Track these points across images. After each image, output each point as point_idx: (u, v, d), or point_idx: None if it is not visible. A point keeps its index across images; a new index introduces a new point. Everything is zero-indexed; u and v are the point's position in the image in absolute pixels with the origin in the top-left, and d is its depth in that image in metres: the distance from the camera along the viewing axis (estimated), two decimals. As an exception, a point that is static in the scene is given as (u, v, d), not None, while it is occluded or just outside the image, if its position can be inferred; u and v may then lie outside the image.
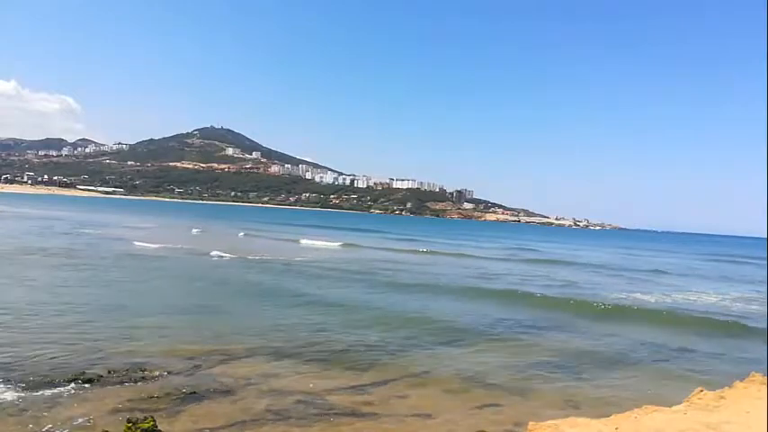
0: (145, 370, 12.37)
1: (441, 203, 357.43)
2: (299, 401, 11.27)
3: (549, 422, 8.09)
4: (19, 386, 10.77)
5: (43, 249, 34.77)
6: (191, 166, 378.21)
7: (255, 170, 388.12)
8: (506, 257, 58.20)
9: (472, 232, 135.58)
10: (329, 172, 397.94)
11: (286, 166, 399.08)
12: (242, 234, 67.24)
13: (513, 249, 73.07)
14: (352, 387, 12.49)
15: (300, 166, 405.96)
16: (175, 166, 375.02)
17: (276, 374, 12.91)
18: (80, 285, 23.20)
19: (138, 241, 44.68)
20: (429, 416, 11.11)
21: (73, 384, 11.10)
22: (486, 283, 34.14)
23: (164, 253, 38.30)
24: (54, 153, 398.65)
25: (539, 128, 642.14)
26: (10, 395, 10.33)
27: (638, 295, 32.45)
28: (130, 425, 8.54)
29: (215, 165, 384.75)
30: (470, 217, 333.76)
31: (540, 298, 28.62)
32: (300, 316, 20.15)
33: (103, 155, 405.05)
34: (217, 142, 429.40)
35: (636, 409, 8.71)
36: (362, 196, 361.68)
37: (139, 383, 11.58)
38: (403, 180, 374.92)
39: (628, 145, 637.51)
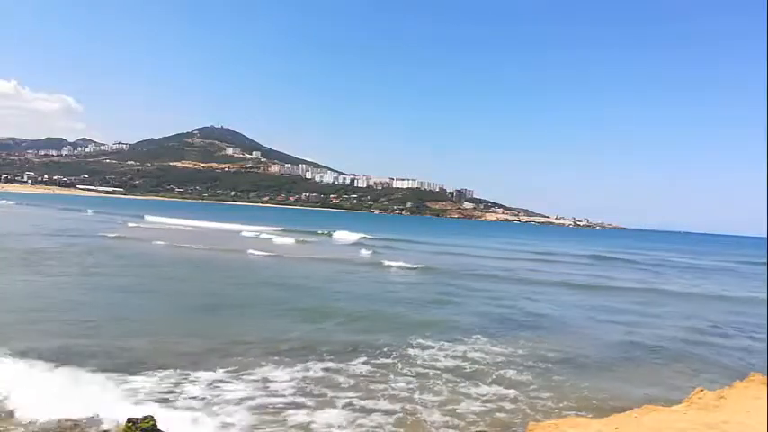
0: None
1: (441, 203, 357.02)
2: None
3: (549, 422, 8.10)
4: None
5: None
6: (191, 166, 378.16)
7: (255, 170, 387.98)
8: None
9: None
10: (329, 172, 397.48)
11: (286, 165, 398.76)
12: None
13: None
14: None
15: (300, 165, 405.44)
16: (175, 166, 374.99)
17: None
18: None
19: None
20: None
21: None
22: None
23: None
24: (54, 153, 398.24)
25: (539, 128, 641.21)
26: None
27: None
28: (130, 424, 8.54)
29: (215, 164, 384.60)
30: (470, 216, 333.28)
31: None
32: None
33: (104, 154, 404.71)
34: (217, 142, 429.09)
35: (636, 409, 8.72)
36: (362, 196, 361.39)
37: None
38: (403, 180, 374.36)
39: (630, 144, 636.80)
